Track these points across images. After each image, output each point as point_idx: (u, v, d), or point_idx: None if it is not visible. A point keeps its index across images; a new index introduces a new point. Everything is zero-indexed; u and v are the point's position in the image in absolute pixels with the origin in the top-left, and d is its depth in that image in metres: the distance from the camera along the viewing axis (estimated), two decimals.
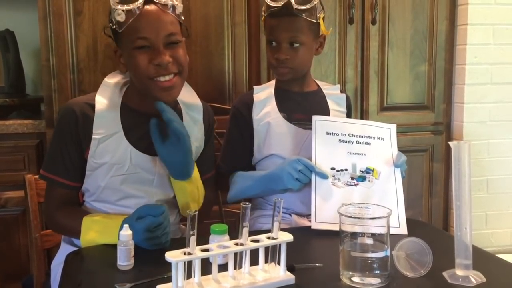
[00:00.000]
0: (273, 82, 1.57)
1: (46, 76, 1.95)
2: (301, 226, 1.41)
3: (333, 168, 1.34)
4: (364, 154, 1.36)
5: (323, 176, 1.32)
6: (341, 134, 1.38)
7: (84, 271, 1.07)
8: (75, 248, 1.26)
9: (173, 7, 1.26)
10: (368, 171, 1.34)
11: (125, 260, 1.04)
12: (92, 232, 1.21)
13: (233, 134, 1.54)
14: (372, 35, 2.28)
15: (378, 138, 1.39)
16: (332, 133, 1.38)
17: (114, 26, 1.26)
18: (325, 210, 1.29)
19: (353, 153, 1.36)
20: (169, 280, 0.91)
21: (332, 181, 1.33)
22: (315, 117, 1.40)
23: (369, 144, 1.37)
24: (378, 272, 0.96)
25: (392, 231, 1.06)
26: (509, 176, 2.46)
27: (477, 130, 2.40)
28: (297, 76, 1.50)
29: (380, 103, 2.33)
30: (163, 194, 1.34)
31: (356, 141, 1.37)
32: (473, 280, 0.97)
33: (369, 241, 0.98)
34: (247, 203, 0.93)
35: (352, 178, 1.33)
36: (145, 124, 1.31)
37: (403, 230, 1.27)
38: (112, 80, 1.35)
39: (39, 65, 2.26)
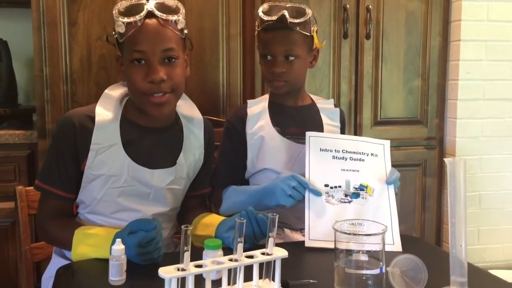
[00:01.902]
0: (266, 96, 1.57)
1: (39, 87, 1.94)
2: (295, 241, 1.40)
3: (326, 185, 1.33)
4: (358, 171, 1.35)
5: (317, 193, 1.31)
6: (335, 150, 1.37)
7: (75, 286, 1.05)
8: (66, 262, 1.24)
9: (175, 22, 1.26)
10: (361, 187, 1.33)
11: (117, 275, 1.02)
12: (84, 246, 1.19)
13: (227, 148, 1.53)
14: (366, 49, 2.29)
15: (372, 154, 1.39)
16: (326, 149, 1.37)
17: (116, 36, 1.26)
18: (319, 227, 1.28)
19: (347, 170, 1.35)
20: None
21: (326, 198, 1.32)
22: (308, 133, 1.39)
23: (363, 160, 1.37)
24: None
25: (386, 248, 1.05)
26: (501, 191, 2.47)
27: (470, 145, 2.41)
28: (293, 89, 1.50)
29: (373, 117, 2.34)
30: (159, 208, 1.33)
31: (350, 158, 1.37)
32: None
33: (364, 257, 0.97)
34: (242, 219, 0.92)
35: (346, 195, 1.32)
36: (144, 137, 1.30)
37: (398, 247, 1.26)
38: (113, 92, 1.34)
39: (32, 75, 2.25)
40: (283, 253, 0.98)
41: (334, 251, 0.98)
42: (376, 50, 2.31)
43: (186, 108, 1.41)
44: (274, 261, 0.97)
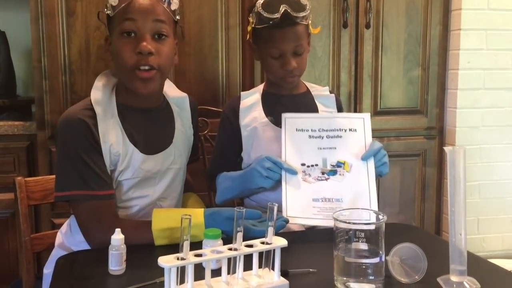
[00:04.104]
0: (261, 86, 1.57)
1: (38, 77, 1.93)
2: (294, 231, 1.40)
3: (303, 164, 1.34)
4: (335, 148, 1.35)
5: (292, 172, 1.32)
6: (311, 130, 1.37)
7: (75, 276, 1.05)
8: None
9: (169, 2, 1.25)
10: (339, 164, 1.33)
11: (116, 265, 1.03)
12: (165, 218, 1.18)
13: (222, 139, 1.54)
14: (366, 39, 2.28)
15: (350, 129, 1.38)
16: (302, 129, 1.38)
17: (108, 11, 1.25)
18: (296, 204, 1.29)
19: (324, 148, 1.35)
20: (161, 285, 0.90)
21: (303, 177, 1.32)
22: (284, 115, 1.40)
23: (340, 137, 1.37)
24: (373, 277, 0.96)
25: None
26: (501, 181, 2.47)
27: (470, 135, 2.41)
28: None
29: (373, 107, 2.33)
30: (166, 190, 1.35)
31: (327, 136, 1.37)
32: (467, 286, 0.96)
33: (364, 246, 0.97)
34: (241, 208, 0.92)
35: (323, 173, 1.33)
36: (140, 120, 1.31)
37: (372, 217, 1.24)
38: (101, 82, 1.31)
39: (30, 66, 2.24)
40: (282, 242, 0.98)
41: (333, 240, 0.98)
42: (376, 40, 2.30)
43: (170, 89, 1.44)
44: (274, 250, 0.97)
